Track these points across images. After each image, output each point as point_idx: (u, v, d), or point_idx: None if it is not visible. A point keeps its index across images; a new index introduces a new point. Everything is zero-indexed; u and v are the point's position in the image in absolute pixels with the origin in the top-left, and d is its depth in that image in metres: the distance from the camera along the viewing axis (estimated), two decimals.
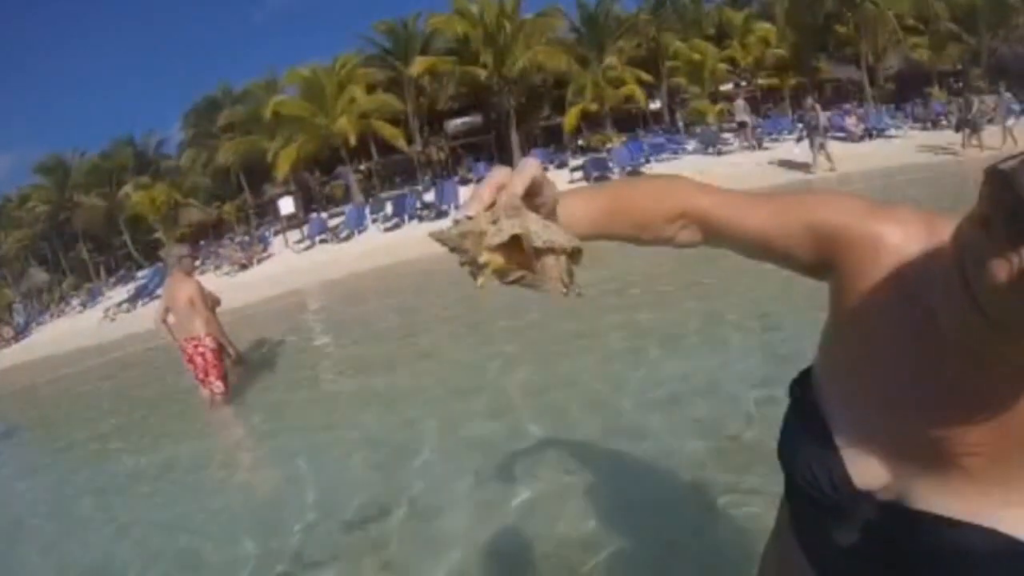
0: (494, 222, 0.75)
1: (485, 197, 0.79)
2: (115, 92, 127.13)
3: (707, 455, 3.86)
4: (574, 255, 0.77)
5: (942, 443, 0.86)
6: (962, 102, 20.53)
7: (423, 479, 4.36)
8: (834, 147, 19.98)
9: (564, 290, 0.76)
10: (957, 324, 0.77)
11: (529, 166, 0.83)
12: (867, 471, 0.93)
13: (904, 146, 21.29)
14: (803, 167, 19.83)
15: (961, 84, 36.08)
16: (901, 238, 0.89)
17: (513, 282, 0.79)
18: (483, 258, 0.75)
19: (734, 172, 19.83)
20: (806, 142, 19.88)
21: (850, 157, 19.67)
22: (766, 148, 24.17)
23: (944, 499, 0.87)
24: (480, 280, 0.76)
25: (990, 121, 19.88)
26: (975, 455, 0.85)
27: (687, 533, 3.19)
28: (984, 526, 0.84)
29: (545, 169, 0.85)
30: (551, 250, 0.75)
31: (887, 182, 16.12)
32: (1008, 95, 22.92)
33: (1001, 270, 0.66)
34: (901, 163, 18.56)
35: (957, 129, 19.89)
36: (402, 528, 3.79)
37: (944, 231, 0.81)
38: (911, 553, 0.91)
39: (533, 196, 0.84)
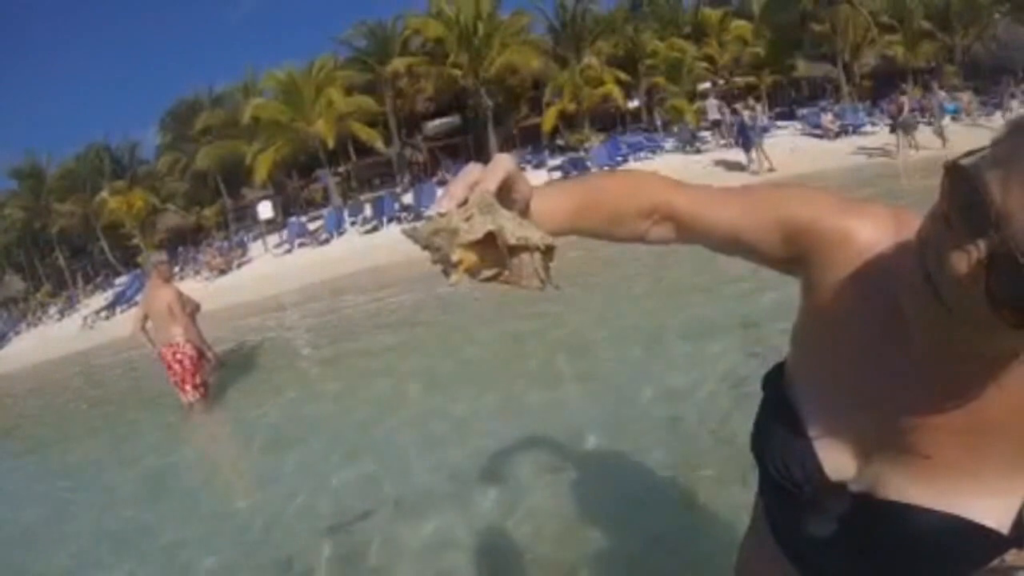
0: (467, 219, 0.74)
1: (458, 194, 0.78)
2: (87, 95, 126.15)
3: (689, 451, 3.92)
4: (548, 251, 0.77)
5: (910, 434, 0.88)
6: (893, 104, 20.68)
7: (405, 481, 4.39)
8: (809, 144, 20.35)
9: (540, 286, 0.76)
10: (921, 316, 0.80)
11: (502, 162, 0.84)
12: (839, 462, 0.94)
13: (836, 149, 21.49)
14: (739, 167, 20.33)
15: (936, 81, 36.66)
16: (870, 233, 0.91)
17: (488, 279, 0.78)
18: (456, 256, 0.74)
19: (671, 174, 20.08)
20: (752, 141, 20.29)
21: (790, 159, 20.10)
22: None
23: (914, 488, 0.89)
24: (453, 278, 0.76)
25: (927, 123, 20.23)
26: (943, 445, 0.87)
27: (672, 528, 3.22)
28: (954, 514, 0.86)
29: (523, 169, 0.85)
30: (525, 247, 0.75)
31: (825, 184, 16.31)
32: (943, 94, 23.36)
33: (960, 262, 0.68)
34: (838, 165, 18.87)
35: (892, 131, 20.05)
36: (384, 531, 3.80)
37: (911, 227, 0.81)
38: (882, 541, 0.93)
39: (507, 192, 0.84)
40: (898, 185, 14.57)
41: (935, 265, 0.72)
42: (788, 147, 21.91)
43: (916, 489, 0.89)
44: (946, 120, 20.75)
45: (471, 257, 0.75)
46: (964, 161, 0.71)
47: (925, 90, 26.37)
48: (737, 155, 21.17)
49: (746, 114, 20.76)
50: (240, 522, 4.36)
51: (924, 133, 20.06)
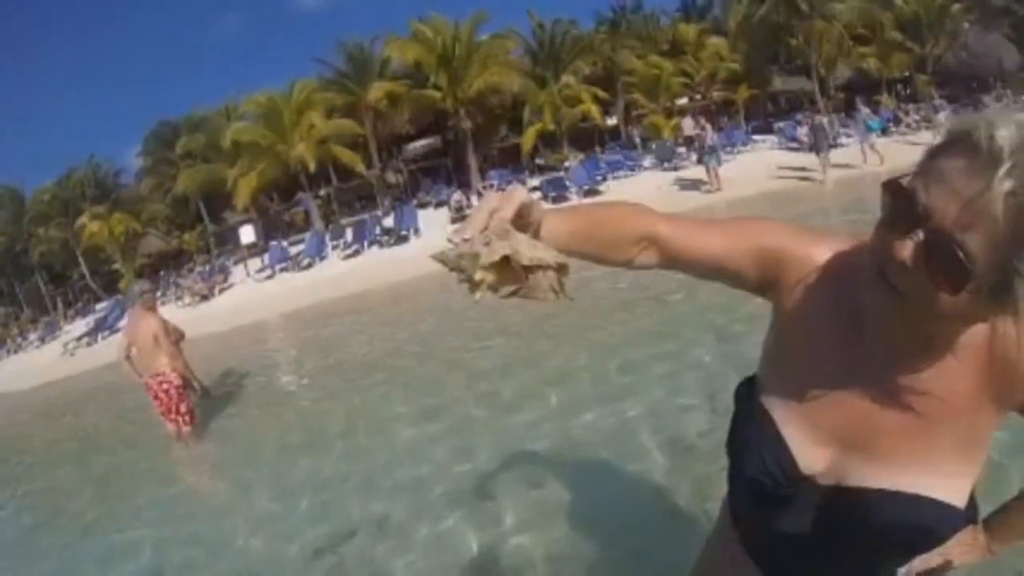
0: (487, 244, 0.86)
1: (479, 221, 0.91)
2: (68, 118, 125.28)
3: (668, 464, 4.06)
4: (562, 268, 0.89)
5: (872, 425, 1.04)
6: (812, 123, 20.92)
7: (390, 502, 4.51)
8: (780, 158, 20.63)
9: (554, 299, 0.88)
10: (879, 307, 0.95)
11: (518, 192, 0.96)
12: (810, 456, 1.08)
13: (765, 169, 21.74)
14: (694, 185, 20.93)
15: (909, 91, 37.12)
16: (830, 255, 1.09)
17: (509, 295, 0.90)
18: (478, 276, 0.86)
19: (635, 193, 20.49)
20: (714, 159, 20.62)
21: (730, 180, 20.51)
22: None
23: (878, 474, 1.03)
24: (477, 295, 0.87)
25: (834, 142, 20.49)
26: (902, 433, 1.02)
27: (653, 541, 3.34)
28: (916, 493, 1.01)
29: (502, 190, 0.98)
30: (539, 266, 0.87)
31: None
32: (866, 110, 23.64)
33: (903, 250, 0.87)
34: (763, 190, 19.18)
35: (811, 150, 20.20)
36: (369, 552, 3.93)
37: (863, 244, 1.00)
38: (852, 529, 1.05)
39: (522, 217, 0.96)
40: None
41: (884, 258, 0.90)
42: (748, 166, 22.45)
43: (880, 475, 1.02)
44: (873, 137, 20.95)
45: (491, 277, 0.86)
46: (903, 180, 0.90)
47: (848, 107, 26.79)
48: (699, 173, 21.59)
49: (711, 135, 21.11)
50: (227, 549, 4.46)
51: (852, 151, 20.57)
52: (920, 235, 0.86)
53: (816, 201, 16.09)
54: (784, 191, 18.53)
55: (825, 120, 20.08)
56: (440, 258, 0.89)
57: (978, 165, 0.82)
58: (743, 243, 1.14)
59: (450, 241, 0.89)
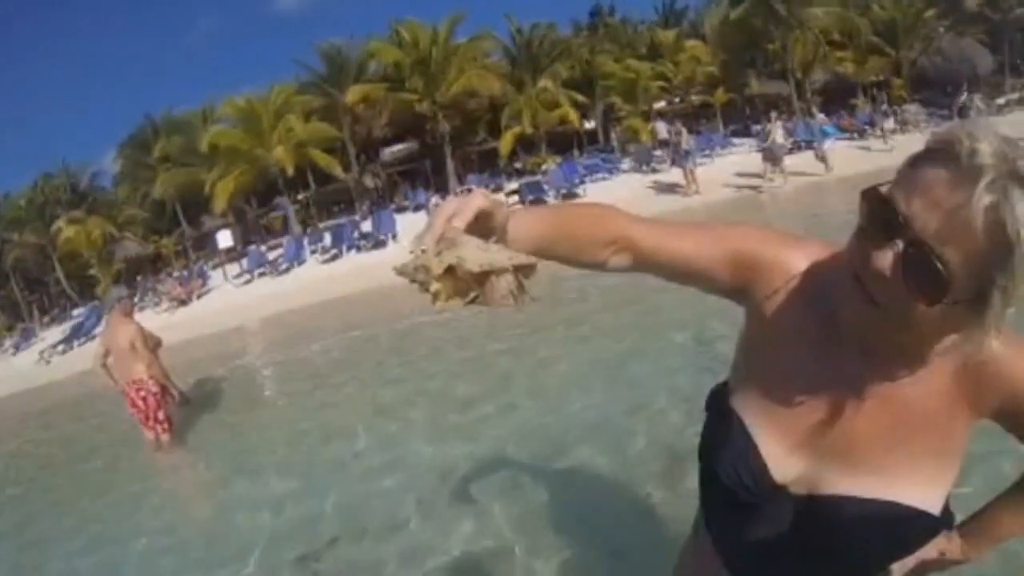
0: (437, 254, 0.85)
1: (437, 230, 0.89)
2: (42, 121, 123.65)
3: (648, 465, 4.12)
4: (522, 269, 0.88)
5: (846, 433, 1.03)
6: (764, 131, 20.61)
7: (371, 506, 4.56)
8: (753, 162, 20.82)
9: (512, 304, 0.86)
10: (854, 316, 0.95)
11: (474, 199, 0.95)
12: (782, 464, 1.07)
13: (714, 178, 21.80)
14: (670, 189, 21.03)
15: (885, 94, 37.49)
16: (804, 262, 1.08)
17: (471, 302, 0.88)
18: (432, 287, 0.86)
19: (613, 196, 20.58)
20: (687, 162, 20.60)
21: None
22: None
23: (852, 482, 1.03)
24: (437, 304, 0.87)
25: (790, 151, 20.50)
26: (876, 440, 1.02)
27: (631, 542, 3.40)
28: (891, 500, 1.01)
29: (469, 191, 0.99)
30: (490, 272, 0.85)
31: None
32: (821, 116, 23.81)
33: (881, 260, 0.88)
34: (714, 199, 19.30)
35: (764, 159, 20.08)
36: (351, 556, 3.97)
37: (838, 254, 1.01)
38: (825, 537, 1.05)
39: (484, 222, 0.95)
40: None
41: (862, 267, 0.90)
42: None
43: (854, 482, 1.02)
44: (828, 143, 21.13)
45: (447, 286, 0.85)
46: (881, 188, 0.91)
47: (805, 115, 27.02)
48: (677, 176, 21.65)
49: (687, 138, 21.09)
50: (209, 556, 4.47)
51: (805, 157, 20.71)
52: (899, 245, 0.86)
53: (762, 209, 16.37)
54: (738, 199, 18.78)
55: (778, 129, 19.74)
56: (401, 271, 0.89)
57: (959, 177, 0.82)
58: (717, 247, 1.12)
59: (411, 252, 0.89)
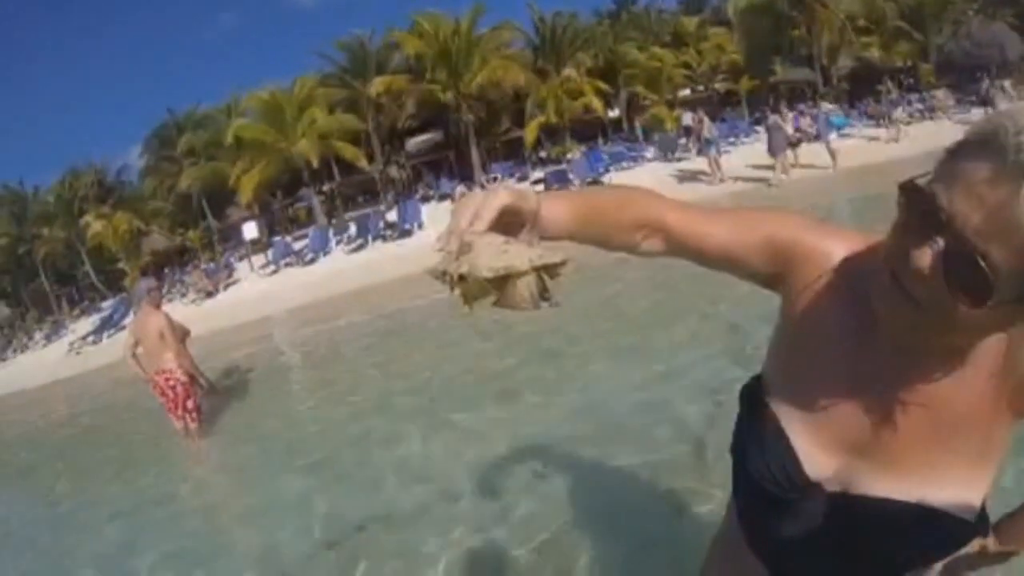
0: (456, 259, 0.83)
1: (457, 232, 0.86)
2: (69, 117, 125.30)
3: (676, 459, 4.03)
4: (546, 269, 0.83)
5: (883, 431, 0.99)
6: (769, 123, 19.87)
7: (397, 496, 4.53)
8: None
9: (532, 307, 0.83)
10: (891, 314, 0.90)
11: (496, 197, 0.91)
12: (817, 461, 1.03)
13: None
14: (694, 177, 20.78)
15: (912, 80, 37.03)
16: (845, 251, 1.03)
17: (495, 305, 0.85)
18: (455, 292, 0.83)
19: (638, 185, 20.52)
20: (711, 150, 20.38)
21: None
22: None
23: (887, 483, 0.99)
24: (464, 309, 0.84)
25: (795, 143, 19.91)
26: (913, 440, 0.98)
27: (661, 535, 3.33)
28: (925, 503, 0.97)
29: (499, 182, 0.93)
30: (508, 276, 0.81)
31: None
32: (829, 107, 23.37)
33: (921, 258, 0.82)
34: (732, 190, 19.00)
35: (768, 151, 19.42)
36: (378, 546, 3.93)
37: (877, 245, 0.96)
38: (858, 536, 1.02)
39: (511, 217, 0.92)
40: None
41: (901, 265, 0.85)
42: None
43: (889, 483, 0.98)
44: (833, 135, 20.71)
45: (469, 290, 0.82)
46: (919, 181, 0.85)
47: (813, 105, 26.61)
48: (702, 164, 21.42)
49: (709, 125, 20.92)
50: (237, 545, 4.50)
51: (813, 149, 20.18)
52: (940, 243, 0.81)
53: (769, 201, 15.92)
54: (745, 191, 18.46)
55: (779, 119, 19.21)
56: (431, 273, 0.86)
57: (1005, 171, 0.76)
58: (753, 233, 1.09)
59: (438, 251, 0.86)
